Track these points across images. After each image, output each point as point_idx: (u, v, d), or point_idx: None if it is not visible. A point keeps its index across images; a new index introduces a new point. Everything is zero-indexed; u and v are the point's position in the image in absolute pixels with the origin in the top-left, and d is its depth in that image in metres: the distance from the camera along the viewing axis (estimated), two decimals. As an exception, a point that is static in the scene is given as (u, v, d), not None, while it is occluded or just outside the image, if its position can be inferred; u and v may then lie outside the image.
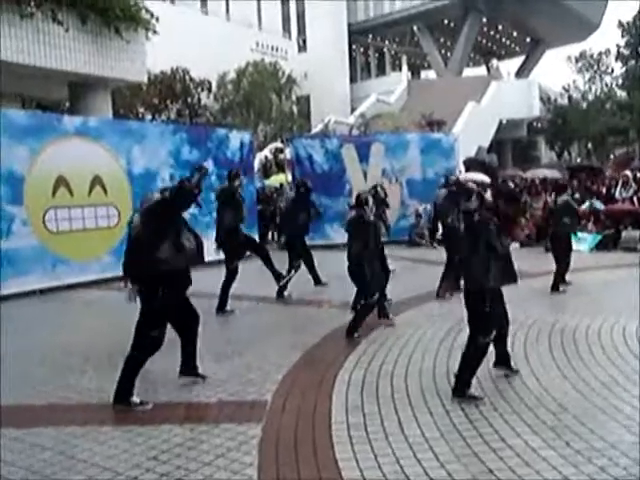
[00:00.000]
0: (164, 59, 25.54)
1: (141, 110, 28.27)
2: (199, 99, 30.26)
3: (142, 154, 11.59)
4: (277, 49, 36.68)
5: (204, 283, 10.17)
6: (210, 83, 30.25)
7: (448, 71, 46.30)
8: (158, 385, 5.14)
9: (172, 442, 4.02)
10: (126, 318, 7.57)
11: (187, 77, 29.29)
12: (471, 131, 29.74)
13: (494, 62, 53.64)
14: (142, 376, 5.08)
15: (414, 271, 10.59)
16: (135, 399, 4.64)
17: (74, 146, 10.46)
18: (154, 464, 3.73)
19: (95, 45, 14.28)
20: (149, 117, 28.30)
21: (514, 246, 14.55)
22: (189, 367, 5.17)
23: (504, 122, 37.99)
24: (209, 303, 8.66)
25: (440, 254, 10.60)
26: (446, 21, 48.22)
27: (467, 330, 6.35)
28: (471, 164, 25.06)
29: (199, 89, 29.97)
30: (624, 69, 39.98)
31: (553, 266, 9.05)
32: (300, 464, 3.66)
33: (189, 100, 29.97)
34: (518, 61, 55.12)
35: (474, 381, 4.70)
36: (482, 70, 53.86)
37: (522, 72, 51.57)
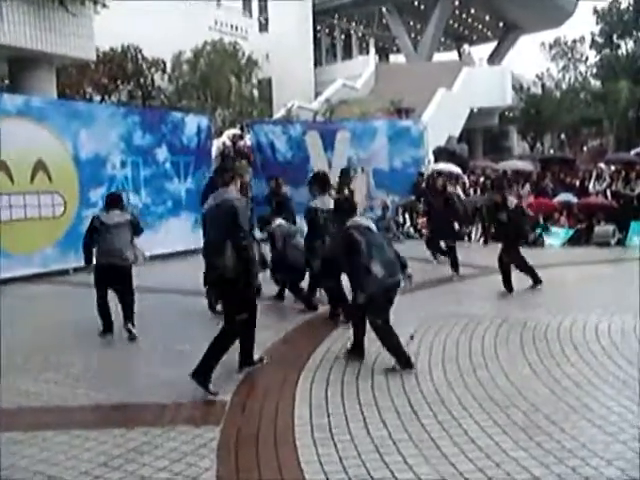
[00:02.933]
0: (114, 36, 25.07)
1: (89, 91, 27.74)
2: (152, 80, 29.82)
3: (90, 138, 11.39)
4: (237, 28, 36.35)
5: (164, 277, 10.13)
6: (164, 63, 29.83)
7: (418, 56, 46.66)
8: (110, 386, 5.08)
9: (124, 447, 3.98)
10: (71, 315, 7.47)
11: (139, 56, 28.83)
12: (441, 119, 30.07)
13: (466, 47, 54.28)
14: (94, 376, 5.03)
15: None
16: (211, 387, 4.79)
17: (15, 128, 10.19)
18: (104, 470, 3.68)
19: (38, 18, 13.93)
20: (98, 98, 27.78)
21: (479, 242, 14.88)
22: (248, 360, 5.36)
23: (475, 110, 38.49)
24: (164, 298, 8.60)
25: (409, 248, 10.74)
26: (416, 3, 48.52)
27: (435, 327, 6.47)
28: (441, 154, 25.20)
29: (152, 69, 29.53)
30: (598, 58, 40.96)
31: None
32: (261, 468, 3.67)
33: (141, 81, 29.51)
34: (491, 47, 55.92)
35: (448, 379, 4.78)
36: (453, 55, 54.46)
37: (495, 58, 52.33)
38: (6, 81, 18.22)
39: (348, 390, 4.89)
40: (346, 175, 9.70)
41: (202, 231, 5.40)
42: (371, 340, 6.27)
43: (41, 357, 5.94)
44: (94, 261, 6.71)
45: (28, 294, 9.40)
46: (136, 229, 6.83)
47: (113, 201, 6.81)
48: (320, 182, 7.43)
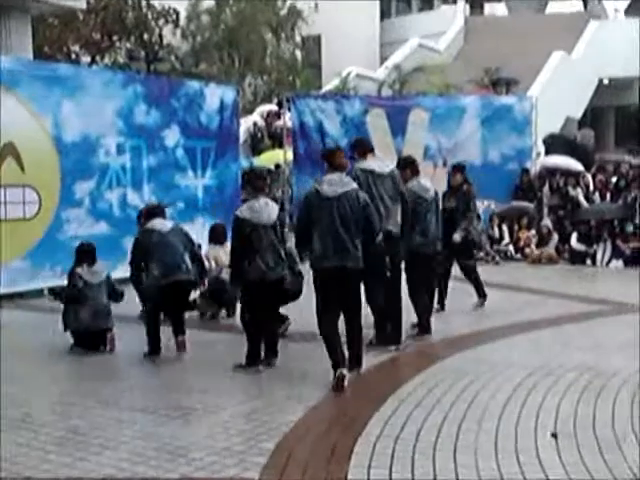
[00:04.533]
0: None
1: (75, 49, 28.33)
2: (160, 36, 30.28)
3: (77, 113, 11.64)
4: (275, -33, 36.82)
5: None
6: (177, 13, 30.29)
7: (525, 5, 46.36)
8: (103, 454, 5.14)
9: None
10: (53, 354, 7.60)
11: (143, 3, 29.36)
12: (556, 94, 29.75)
13: (594, -8, 53.65)
14: (73, 443, 5.10)
15: (472, 295, 10.58)
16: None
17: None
18: None
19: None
20: (87, 59, 28.35)
21: (616, 264, 14.63)
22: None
23: (606, 82, 37.97)
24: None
25: (510, 274, 10.60)
26: None
27: (548, 382, 6.40)
28: (555, 143, 24.97)
29: (160, 21, 30.01)
30: None
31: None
32: None
33: (146, 37, 29.99)
34: (630, -8, 55.11)
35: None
36: (575, 4, 53.86)
37: (636, 8, 51.51)
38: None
39: (421, 470, 4.84)
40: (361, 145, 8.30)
41: (302, 226, 6.65)
42: (451, 403, 6.22)
43: (18, 415, 6.01)
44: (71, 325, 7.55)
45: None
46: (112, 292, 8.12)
47: (91, 254, 7.97)
48: (253, 182, 7.32)
